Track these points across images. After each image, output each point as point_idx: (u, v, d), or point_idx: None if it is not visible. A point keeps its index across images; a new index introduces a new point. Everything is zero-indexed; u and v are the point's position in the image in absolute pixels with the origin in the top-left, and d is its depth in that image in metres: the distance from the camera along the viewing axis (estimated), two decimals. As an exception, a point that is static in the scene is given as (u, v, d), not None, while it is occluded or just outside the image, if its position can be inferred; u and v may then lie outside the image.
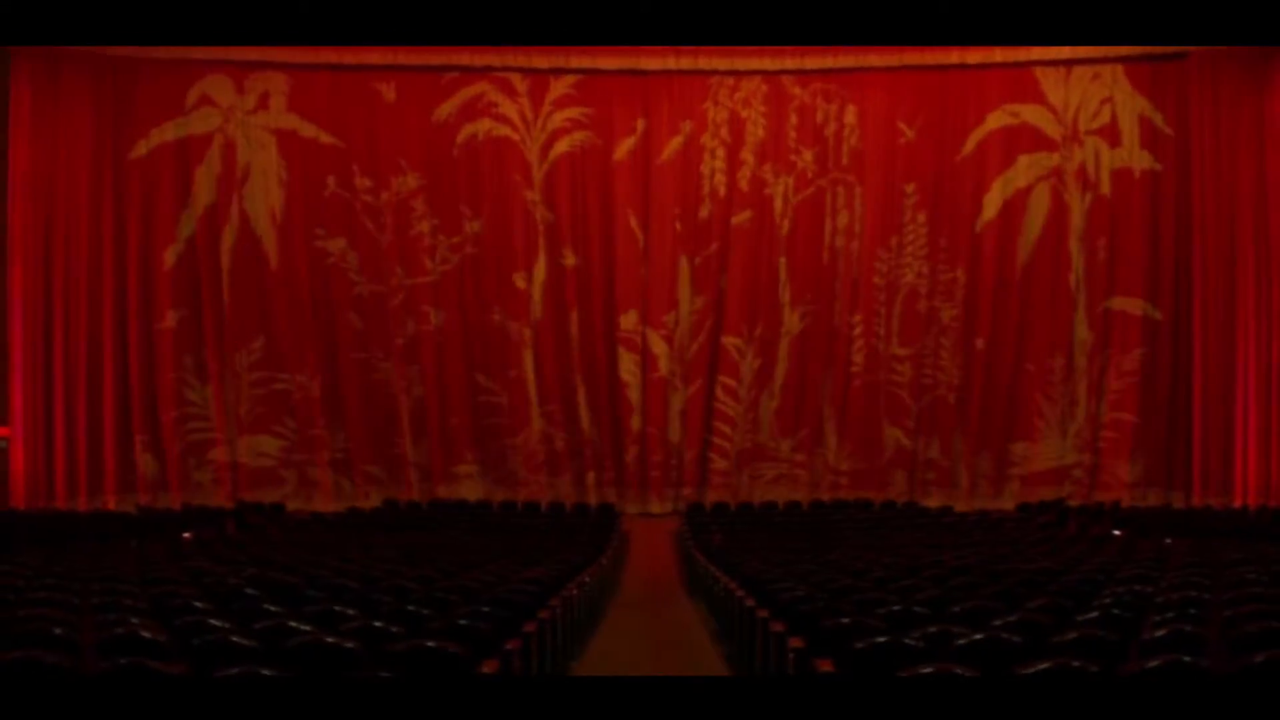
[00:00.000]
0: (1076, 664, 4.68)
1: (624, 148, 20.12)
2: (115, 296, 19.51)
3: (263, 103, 19.96)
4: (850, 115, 20.12)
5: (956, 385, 19.90)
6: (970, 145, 20.01)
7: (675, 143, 20.14)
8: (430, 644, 5.36)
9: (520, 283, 20.04)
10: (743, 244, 20.13)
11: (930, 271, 20.03)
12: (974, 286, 19.98)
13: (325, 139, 19.99)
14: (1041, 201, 19.94)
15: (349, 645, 5.28)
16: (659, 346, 19.98)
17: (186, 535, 13.62)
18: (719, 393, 20.03)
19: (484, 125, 20.10)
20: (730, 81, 20.16)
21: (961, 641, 5.35)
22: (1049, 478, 19.60)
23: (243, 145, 19.88)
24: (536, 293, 20.10)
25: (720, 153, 20.18)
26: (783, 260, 20.09)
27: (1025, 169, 19.99)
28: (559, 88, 20.16)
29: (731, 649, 8.55)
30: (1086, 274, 19.78)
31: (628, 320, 19.99)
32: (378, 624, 5.87)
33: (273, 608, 6.42)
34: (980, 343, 19.89)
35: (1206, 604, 6.51)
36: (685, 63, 19.94)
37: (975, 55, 19.68)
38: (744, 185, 20.12)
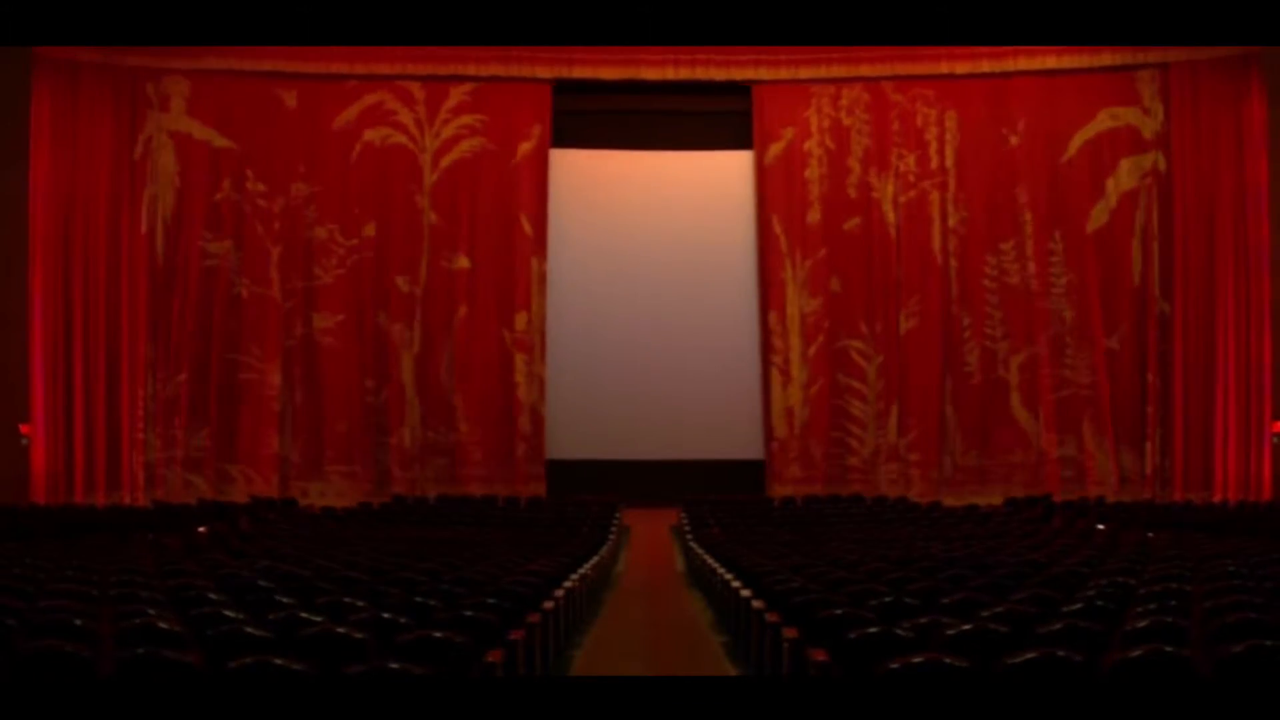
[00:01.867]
0: (1062, 653, 4.67)
1: (522, 151, 20.12)
2: (130, 297, 19.56)
3: (164, 105, 19.87)
4: (950, 121, 20.09)
5: (1086, 385, 19.70)
6: (1074, 148, 19.91)
7: (776, 148, 20.18)
8: (437, 634, 5.36)
9: (405, 286, 20.05)
10: (853, 247, 20.08)
11: (1046, 272, 19.90)
12: (1091, 287, 19.80)
13: (220, 143, 19.89)
14: (1151, 202, 19.83)
15: (358, 636, 5.28)
16: (779, 345, 20.00)
17: (202, 529, 13.62)
18: (839, 392, 20.02)
19: (382, 132, 20.14)
20: (832, 89, 20.15)
21: (951, 632, 5.34)
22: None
23: (139, 147, 19.78)
24: (421, 294, 20.08)
25: (824, 158, 20.15)
26: (897, 263, 20.04)
27: (1129, 171, 19.92)
28: (456, 95, 20.20)
29: (729, 639, 8.55)
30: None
31: (520, 321, 20.00)
32: (386, 615, 5.87)
33: (285, 599, 6.41)
34: (1114, 342, 19.73)
35: (1187, 595, 6.51)
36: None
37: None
38: (852, 191, 20.11)
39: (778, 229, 20.19)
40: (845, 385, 20.09)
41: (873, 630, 5.43)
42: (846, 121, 20.22)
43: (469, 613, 6.14)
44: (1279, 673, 4.50)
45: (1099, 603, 6.16)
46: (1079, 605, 6.08)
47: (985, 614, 5.74)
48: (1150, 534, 12.38)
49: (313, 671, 4.49)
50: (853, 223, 20.16)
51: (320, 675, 4.49)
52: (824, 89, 20.24)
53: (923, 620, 5.60)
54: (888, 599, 6.41)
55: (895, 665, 4.59)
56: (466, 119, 20.25)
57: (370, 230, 20.09)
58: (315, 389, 19.96)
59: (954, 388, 20.00)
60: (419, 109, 20.21)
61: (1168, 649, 4.67)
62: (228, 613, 5.78)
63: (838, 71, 20.05)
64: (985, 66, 19.83)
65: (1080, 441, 19.74)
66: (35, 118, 18.92)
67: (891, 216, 20.17)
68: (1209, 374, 19.32)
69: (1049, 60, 19.65)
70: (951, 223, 20.12)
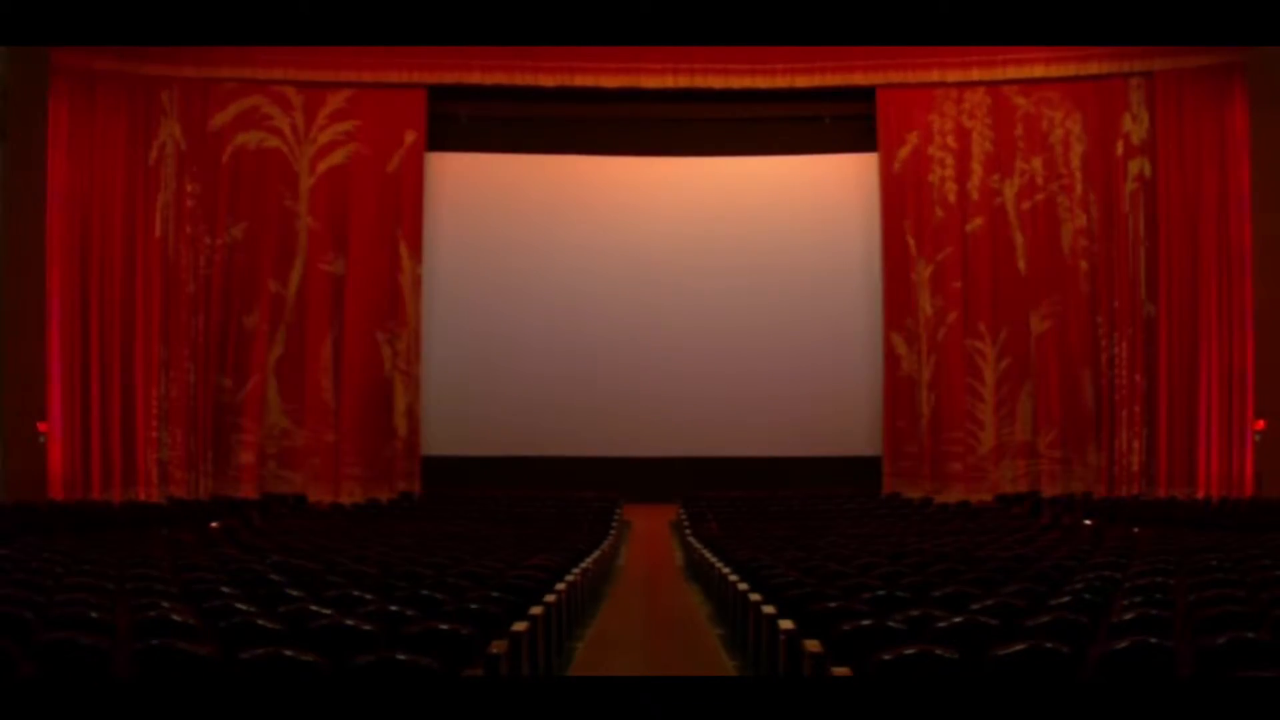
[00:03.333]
0: (1049, 645, 4.68)
1: (398, 156, 20.07)
2: (144, 299, 19.60)
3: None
4: (1075, 123, 19.94)
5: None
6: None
7: (903, 153, 20.08)
8: (443, 626, 5.36)
9: (274, 287, 19.94)
10: (978, 249, 19.97)
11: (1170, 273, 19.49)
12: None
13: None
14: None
15: (367, 628, 5.28)
16: (901, 348, 19.94)
17: (214, 524, 13.62)
18: (967, 390, 19.88)
19: (257, 135, 19.95)
20: (955, 93, 20.02)
21: (942, 624, 5.35)
22: None
23: (153, 153, 19.72)
24: (292, 297, 19.97)
25: (949, 161, 20.04)
26: (1023, 264, 19.88)
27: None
28: (334, 101, 20.11)
29: (726, 631, 8.55)
30: None
31: (395, 323, 19.97)
32: (394, 608, 5.87)
33: (295, 592, 6.42)
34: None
35: (1171, 589, 6.51)
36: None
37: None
38: (974, 194, 19.98)
39: (906, 232, 20.07)
40: (973, 384, 19.93)
41: (866, 622, 5.43)
42: (968, 124, 20.03)
43: (474, 605, 6.14)
44: (1260, 663, 4.50)
45: (1086, 596, 6.17)
46: (1066, 598, 6.08)
47: (975, 607, 5.74)
48: (1135, 529, 12.38)
49: (322, 662, 4.49)
50: (975, 224, 20.01)
51: (330, 666, 4.50)
52: (947, 93, 20.08)
53: (914, 613, 5.60)
54: (880, 592, 6.42)
55: (888, 656, 4.60)
56: (344, 125, 20.12)
57: (239, 232, 19.87)
58: (179, 388, 19.72)
59: (1092, 387, 19.74)
60: (296, 115, 20.07)
61: (1152, 640, 4.67)
62: (240, 605, 5.78)
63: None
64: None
65: (1208, 445, 19.24)
66: (53, 125, 18.95)
67: (1015, 219, 19.98)
68: (1193, 373, 19.34)
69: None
70: (1080, 223, 19.93)
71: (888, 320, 20.13)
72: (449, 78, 19.90)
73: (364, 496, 18.67)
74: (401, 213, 20.14)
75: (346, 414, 20.02)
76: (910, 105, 20.24)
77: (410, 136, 20.17)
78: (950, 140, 20.11)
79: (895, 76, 19.98)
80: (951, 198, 20.08)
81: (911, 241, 20.09)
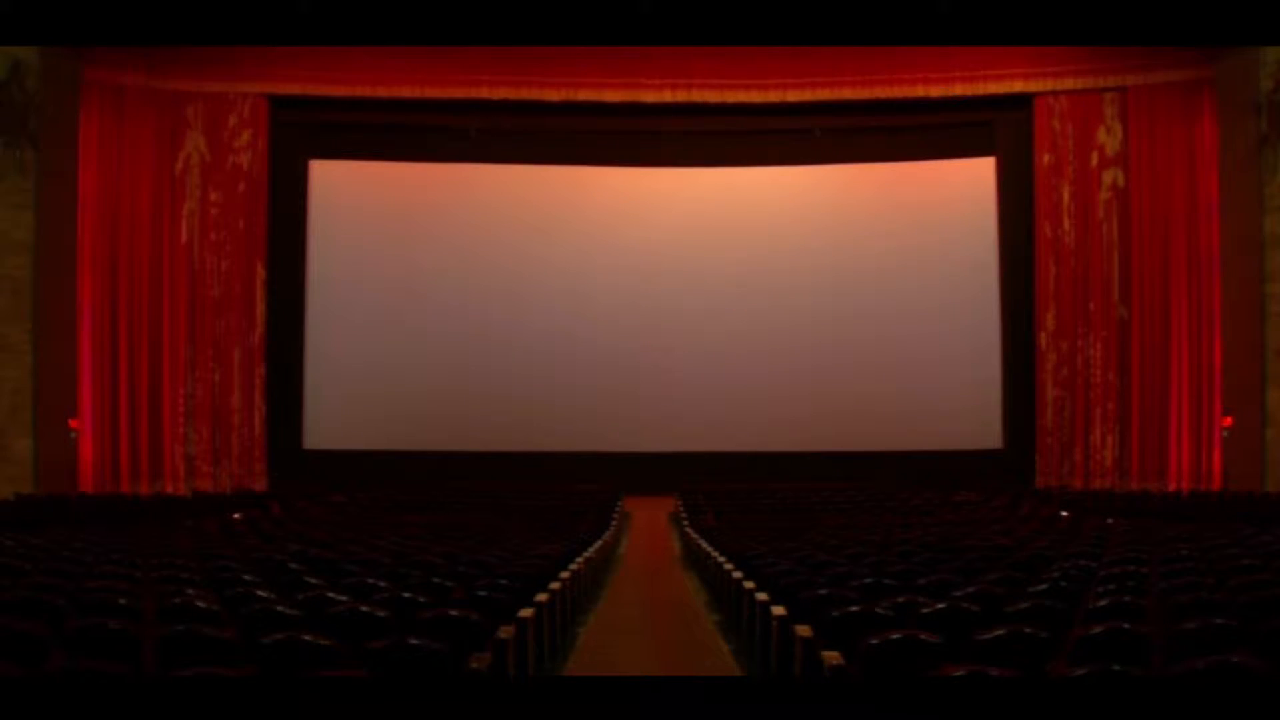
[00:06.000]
0: (1028, 630, 4.68)
1: (244, 160, 19.78)
2: (170, 302, 19.59)
3: None
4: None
5: None
6: None
7: (1049, 158, 19.85)
8: (453, 613, 5.36)
9: (127, 290, 19.43)
10: (1108, 251, 19.67)
11: None
12: None
13: None
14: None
15: (381, 614, 5.28)
16: (1045, 342, 19.75)
17: (236, 515, 13.62)
18: (1109, 391, 19.52)
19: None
20: (1108, 98, 19.72)
21: (926, 610, 5.34)
22: None
23: (179, 164, 19.63)
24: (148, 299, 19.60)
25: (1083, 165, 19.77)
26: (1162, 265, 19.49)
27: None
28: (190, 103, 19.69)
29: (722, 618, 8.55)
30: None
31: (244, 323, 19.71)
32: (406, 595, 5.86)
33: (313, 580, 6.41)
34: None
35: (1144, 577, 6.51)
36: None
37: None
38: (1108, 192, 19.70)
39: (1049, 234, 19.78)
40: (1118, 385, 19.49)
41: (854, 609, 5.43)
42: (1109, 128, 19.72)
43: (483, 593, 6.14)
44: (1228, 648, 4.50)
45: (1063, 584, 6.16)
46: (1044, 586, 6.08)
47: (958, 594, 5.74)
48: (1110, 520, 12.37)
49: (338, 646, 4.49)
50: (1109, 228, 19.66)
51: (346, 650, 4.50)
52: (1107, 97, 19.74)
53: (900, 599, 5.60)
54: (868, 580, 6.41)
55: (875, 640, 4.60)
56: (193, 129, 19.75)
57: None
58: (204, 386, 19.57)
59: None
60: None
61: (1126, 626, 4.67)
62: (261, 593, 5.78)
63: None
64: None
65: (1179, 440, 18.98)
66: (84, 137, 18.95)
67: (1121, 222, 19.62)
68: (1164, 373, 19.35)
69: None
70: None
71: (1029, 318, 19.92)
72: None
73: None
74: (247, 216, 19.79)
75: (214, 415, 19.72)
76: (1066, 112, 19.79)
77: (254, 141, 19.90)
78: (1099, 142, 19.71)
79: (878, 91, 19.85)
80: (1074, 199, 19.84)
81: (1054, 243, 19.77)
